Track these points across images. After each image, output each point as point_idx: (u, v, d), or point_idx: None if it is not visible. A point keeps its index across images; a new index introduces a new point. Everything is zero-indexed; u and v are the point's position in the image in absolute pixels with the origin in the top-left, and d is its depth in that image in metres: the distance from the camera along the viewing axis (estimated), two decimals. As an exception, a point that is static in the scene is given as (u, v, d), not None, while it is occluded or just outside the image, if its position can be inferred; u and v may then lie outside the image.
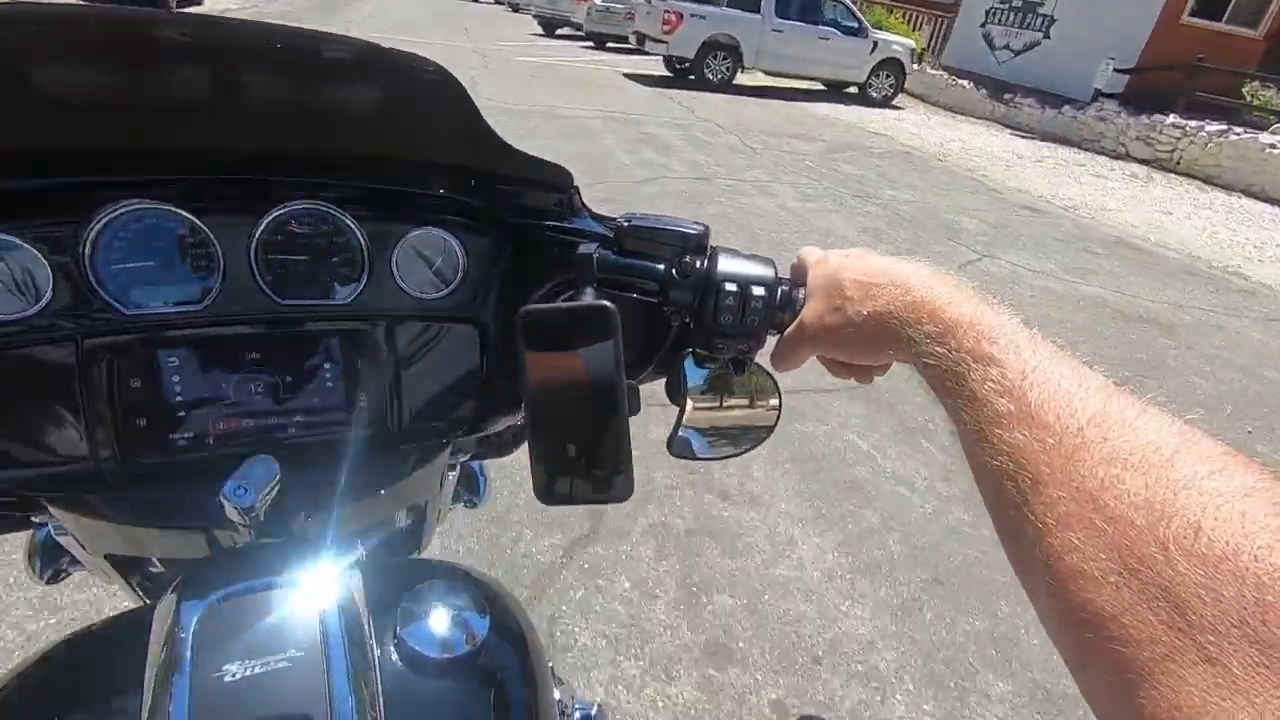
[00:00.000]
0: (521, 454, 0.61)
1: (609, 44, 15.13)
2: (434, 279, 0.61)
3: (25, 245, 0.49)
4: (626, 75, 11.35)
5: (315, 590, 0.47)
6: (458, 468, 0.87)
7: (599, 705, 0.85)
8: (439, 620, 0.54)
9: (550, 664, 0.66)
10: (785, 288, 0.55)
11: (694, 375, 0.61)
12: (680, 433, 0.62)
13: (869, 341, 0.48)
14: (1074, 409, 0.33)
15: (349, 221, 0.57)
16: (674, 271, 0.56)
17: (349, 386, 0.60)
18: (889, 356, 0.49)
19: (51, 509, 0.57)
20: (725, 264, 0.55)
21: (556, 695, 0.75)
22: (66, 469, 0.54)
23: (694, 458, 0.64)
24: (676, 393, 0.62)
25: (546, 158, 0.59)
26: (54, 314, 0.50)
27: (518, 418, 0.70)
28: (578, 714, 0.83)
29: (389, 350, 0.61)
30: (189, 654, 0.42)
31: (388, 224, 0.59)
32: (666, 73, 11.68)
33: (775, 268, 0.56)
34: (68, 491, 0.55)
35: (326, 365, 0.59)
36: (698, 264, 0.56)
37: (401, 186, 0.59)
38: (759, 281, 0.55)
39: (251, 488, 0.50)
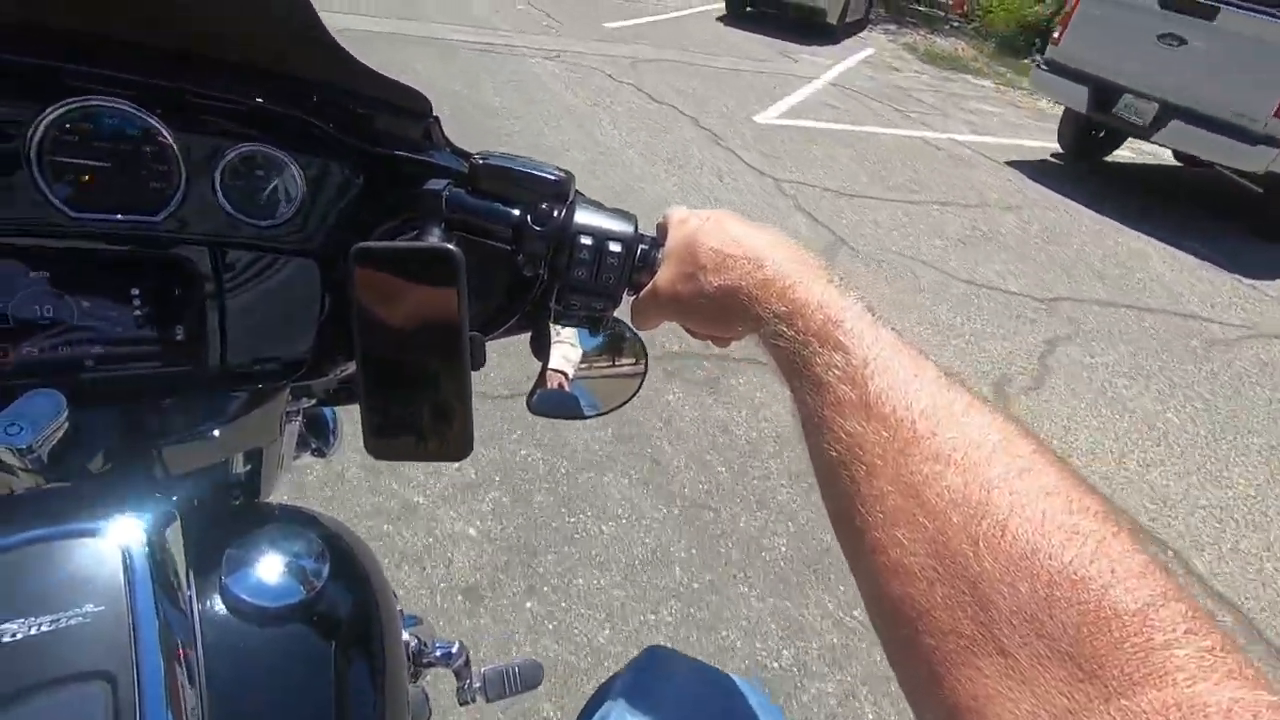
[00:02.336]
0: None
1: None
2: (265, 204, 0.54)
3: None
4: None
5: (119, 537, 0.42)
6: (300, 414, 0.81)
7: (459, 642, 0.83)
8: (271, 566, 0.49)
9: (400, 606, 0.63)
10: (645, 246, 0.54)
11: (569, 333, 0.59)
12: (541, 390, 0.60)
13: (720, 314, 0.47)
14: (909, 401, 0.34)
15: (160, 128, 0.49)
16: (529, 218, 0.52)
17: (162, 317, 0.53)
18: (739, 331, 0.48)
19: None
20: (583, 216, 0.53)
21: (409, 637, 0.73)
22: None
23: (558, 415, 0.63)
24: (540, 349, 0.59)
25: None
26: None
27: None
28: (438, 651, 0.81)
29: (213, 279, 0.54)
30: None
31: (210, 136, 0.51)
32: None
33: (636, 224, 0.54)
34: None
35: (134, 292, 0.52)
36: (555, 213, 0.52)
37: (227, 95, 0.52)
38: (616, 238, 0.52)
39: (28, 426, 0.44)
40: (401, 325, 0.47)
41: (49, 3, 0.46)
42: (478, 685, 0.89)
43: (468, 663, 0.86)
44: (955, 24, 13.36)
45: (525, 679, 0.90)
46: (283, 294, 0.57)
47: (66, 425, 0.46)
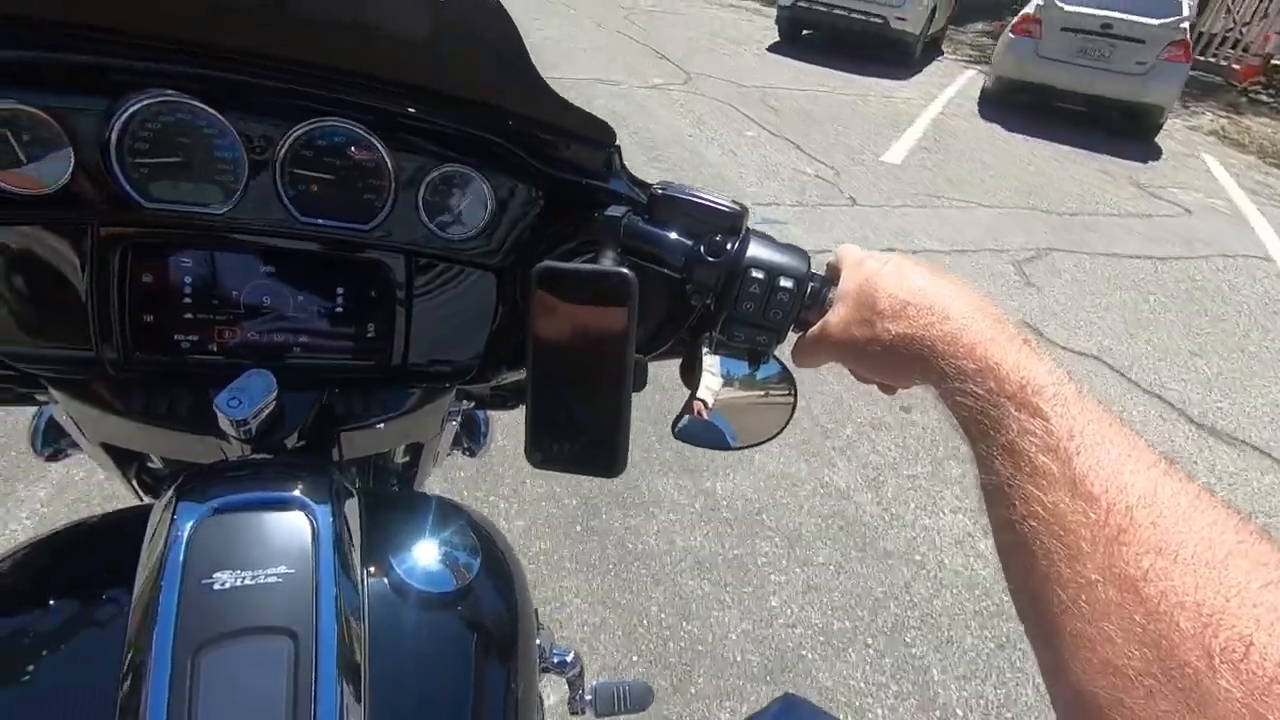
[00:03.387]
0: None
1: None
2: (459, 219, 0.59)
3: (50, 120, 0.47)
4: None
5: (312, 510, 0.46)
6: (460, 414, 0.86)
7: (575, 653, 0.86)
8: (431, 555, 0.54)
9: (535, 609, 0.67)
10: (815, 284, 0.53)
11: (711, 360, 0.59)
12: (687, 417, 0.61)
13: (894, 362, 0.45)
14: (1123, 484, 0.31)
15: (380, 147, 0.55)
16: (702, 249, 0.53)
17: (359, 315, 0.59)
18: (913, 382, 0.46)
19: (52, 390, 0.57)
20: (756, 249, 0.53)
21: (536, 640, 0.76)
22: (69, 353, 0.54)
23: (698, 445, 0.63)
24: (690, 375, 0.60)
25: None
26: (73, 196, 0.50)
27: (522, 374, 0.68)
28: (555, 658, 0.84)
29: (404, 285, 0.59)
30: (181, 557, 0.42)
31: (419, 156, 0.57)
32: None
33: (808, 261, 0.54)
34: (68, 375, 0.56)
35: (339, 290, 0.58)
36: (728, 245, 0.53)
37: (438, 119, 0.57)
38: (788, 273, 0.52)
39: (246, 400, 0.50)
40: (572, 342, 0.49)
41: (297, 39, 0.52)
42: (588, 698, 0.90)
43: (581, 673, 0.87)
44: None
45: (635, 699, 0.91)
46: (462, 303, 0.62)
47: (275, 403, 0.52)
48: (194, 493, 0.46)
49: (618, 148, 0.60)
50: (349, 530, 0.48)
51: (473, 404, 0.83)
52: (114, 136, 0.49)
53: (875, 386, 0.54)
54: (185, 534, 0.43)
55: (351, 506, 0.50)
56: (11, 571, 0.50)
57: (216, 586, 0.41)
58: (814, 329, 0.51)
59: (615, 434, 0.50)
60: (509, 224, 0.61)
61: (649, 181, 0.60)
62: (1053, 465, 0.33)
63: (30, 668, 0.43)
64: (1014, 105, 7.47)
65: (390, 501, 0.64)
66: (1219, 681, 0.25)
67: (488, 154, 0.59)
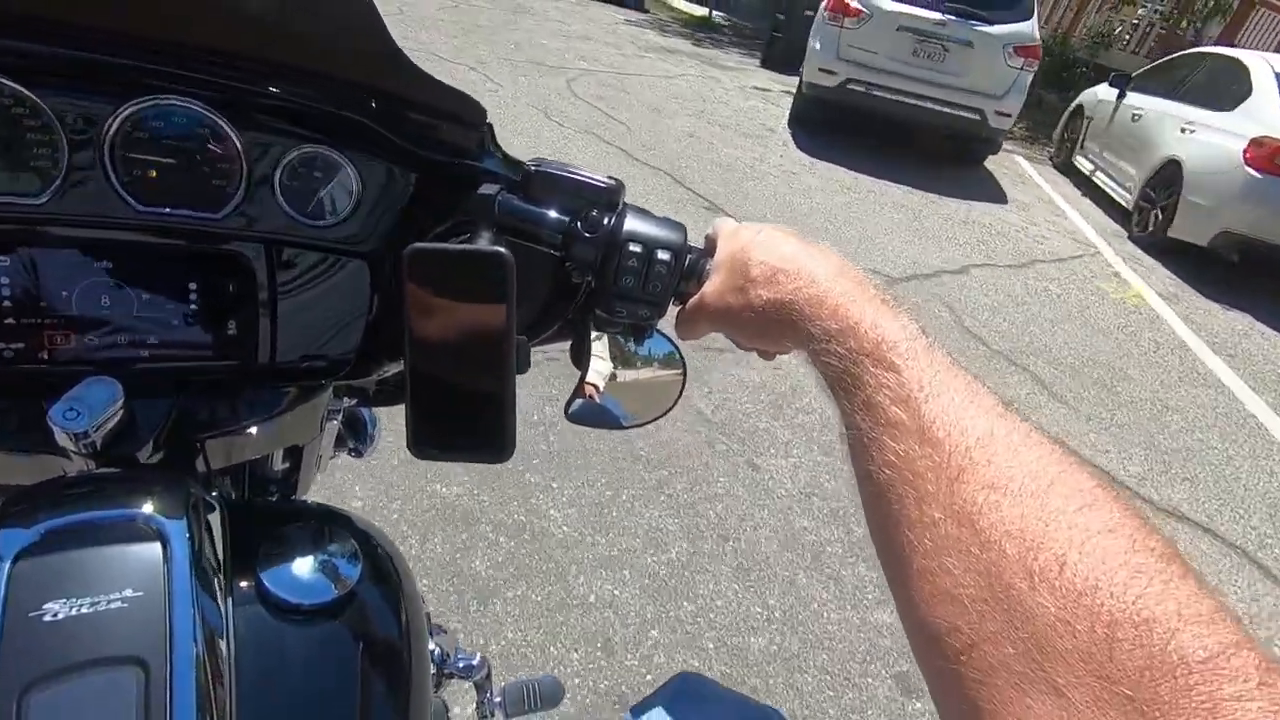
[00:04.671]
0: None
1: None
2: (323, 204, 0.55)
3: None
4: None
5: (161, 525, 0.42)
6: (341, 413, 0.82)
7: (481, 655, 0.83)
8: (305, 565, 0.50)
9: (428, 613, 0.63)
10: (693, 256, 0.53)
11: (600, 342, 0.58)
12: (579, 399, 0.60)
13: (768, 327, 0.47)
14: (964, 428, 0.33)
15: (227, 127, 0.50)
16: (579, 224, 0.53)
17: (216, 312, 0.54)
18: (786, 346, 0.48)
19: None
20: (632, 223, 0.53)
21: (434, 646, 0.72)
22: None
23: (595, 425, 0.62)
24: (580, 357, 0.59)
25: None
26: None
27: (400, 366, 0.66)
28: (460, 663, 0.81)
29: (265, 277, 0.55)
30: (3, 588, 0.37)
31: (273, 136, 0.53)
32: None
33: (685, 234, 0.54)
34: None
35: (191, 286, 0.53)
36: (605, 220, 0.53)
37: (292, 97, 0.53)
38: (665, 246, 0.52)
39: (86, 411, 0.45)
40: (450, 326, 0.47)
41: (129, 8, 0.48)
42: (498, 700, 0.88)
43: (489, 676, 0.86)
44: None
45: (545, 696, 0.90)
46: (333, 294, 0.58)
47: (121, 413, 0.47)
48: (18, 516, 0.41)
49: (490, 125, 0.58)
50: (210, 546, 0.44)
51: (355, 401, 0.79)
52: None
53: (755, 353, 0.55)
54: (8, 559, 0.38)
55: (213, 519, 0.46)
56: None
57: (47, 618, 0.36)
58: (693, 300, 0.52)
59: (501, 419, 0.49)
60: (378, 208, 0.58)
61: (523, 160, 0.58)
62: (904, 415, 0.35)
63: None
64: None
65: (261, 512, 0.61)
66: (1037, 598, 0.27)
67: (351, 134, 0.55)
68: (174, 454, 0.54)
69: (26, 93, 0.45)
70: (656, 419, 0.64)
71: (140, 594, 0.38)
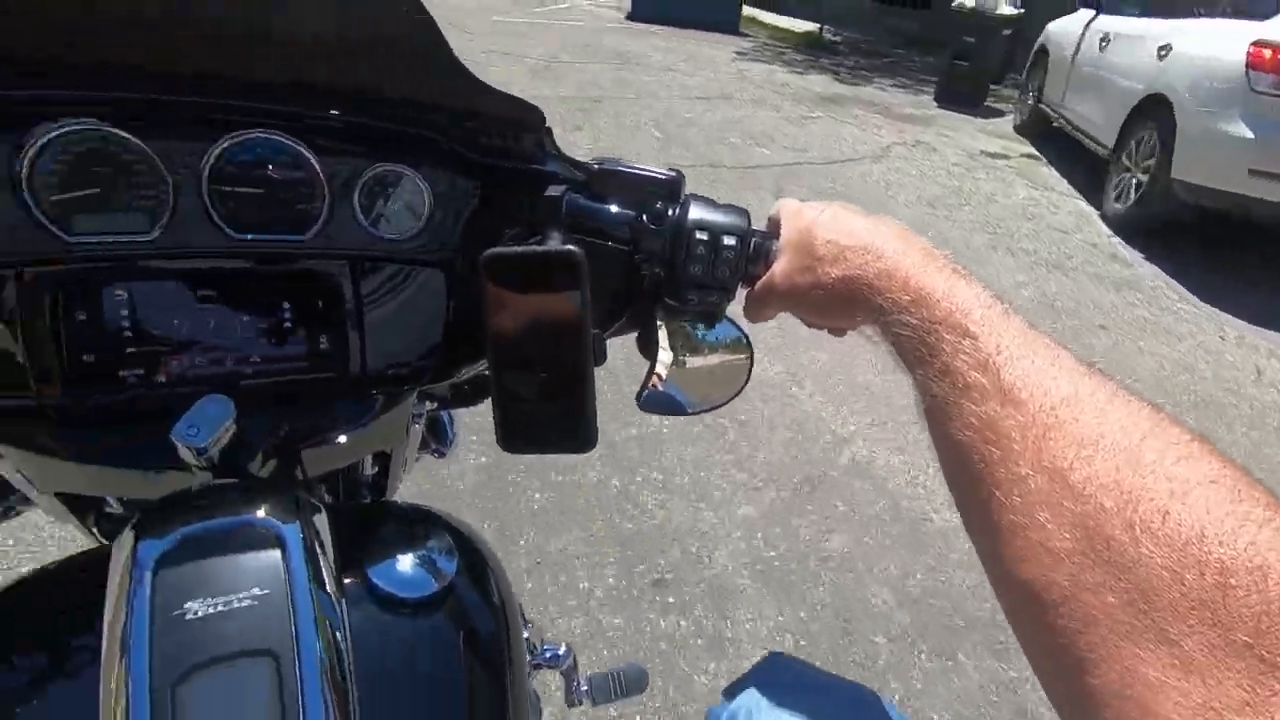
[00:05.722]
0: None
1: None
2: (399, 219, 0.59)
3: None
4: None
5: (279, 530, 0.45)
6: (424, 416, 0.85)
7: (566, 645, 0.86)
8: (406, 561, 0.53)
9: (519, 604, 0.66)
10: (758, 239, 0.54)
11: (667, 329, 0.59)
12: (650, 387, 0.60)
13: (838, 304, 0.47)
14: (1047, 389, 0.33)
15: (308, 154, 0.54)
16: (644, 218, 0.54)
17: (309, 328, 0.58)
18: (857, 321, 0.48)
19: None
20: (697, 211, 0.53)
21: (525, 635, 0.73)
22: (8, 404, 0.51)
23: (665, 412, 0.63)
24: (648, 346, 0.60)
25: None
26: None
27: (484, 366, 0.67)
28: (547, 653, 0.84)
29: (351, 292, 0.58)
30: (149, 592, 0.40)
31: (350, 159, 0.56)
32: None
33: (749, 218, 0.54)
34: (10, 427, 0.53)
35: (285, 305, 0.57)
36: (669, 211, 0.54)
37: (363, 120, 0.56)
38: (730, 231, 0.53)
39: (204, 427, 0.48)
40: (529, 325, 0.49)
41: (208, 53, 0.51)
42: (584, 688, 0.89)
43: (575, 665, 0.88)
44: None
45: (630, 684, 0.90)
46: (413, 303, 0.61)
47: (233, 428, 0.50)
48: (155, 526, 0.44)
49: (549, 129, 0.59)
50: (320, 545, 0.47)
51: (435, 405, 0.83)
52: (24, 173, 0.47)
53: (826, 331, 0.55)
54: (149, 566, 0.41)
55: (321, 522, 0.49)
56: None
57: (189, 617, 0.39)
58: (761, 282, 0.53)
59: (582, 411, 0.51)
60: (449, 217, 0.60)
61: (583, 160, 0.59)
62: (984, 379, 0.35)
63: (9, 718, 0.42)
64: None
65: (360, 513, 0.64)
66: (1140, 549, 0.27)
67: (419, 150, 0.58)
68: (279, 464, 0.58)
69: (135, 140, 0.49)
70: (724, 403, 0.64)
71: (266, 592, 0.41)
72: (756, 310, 0.54)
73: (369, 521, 0.57)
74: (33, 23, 0.45)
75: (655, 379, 0.60)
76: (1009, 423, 0.33)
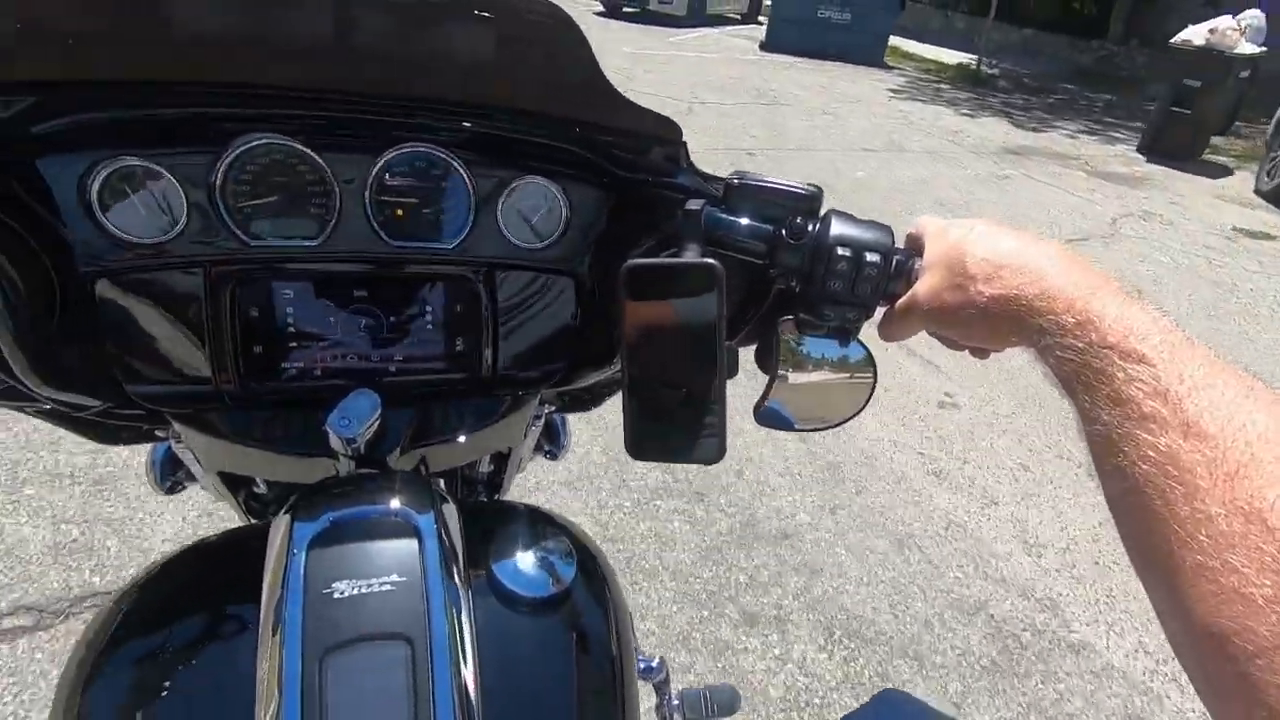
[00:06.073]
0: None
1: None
2: (536, 229, 0.61)
3: (165, 173, 0.51)
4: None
5: (417, 521, 0.47)
6: (542, 419, 0.88)
7: (660, 658, 0.85)
8: (528, 561, 0.55)
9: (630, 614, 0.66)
10: (900, 257, 0.52)
11: (791, 343, 0.58)
12: (769, 401, 0.60)
13: (990, 325, 0.45)
14: (1241, 422, 0.31)
15: (459, 167, 0.57)
16: (784, 233, 0.53)
17: (447, 331, 0.61)
18: (1011, 343, 0.45)
19: (175, 425, 0.61)
20: (839, 227, 0.52)
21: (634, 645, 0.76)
22: (192, 388, 0.57)
23: (781, 428, 0.62)
24: (768, 360, 0.59)
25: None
26: (187, 240, 0.53)
27: (606, 373, 0.70)
28: (640, 664, 0.83)
29: (488, 298, 0.61)
30: (303, 569, 0.43)
31: (495, 171, 0.59)
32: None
33: (892, 235, 0.53)
34: (192, 409, 0.59)
35: (428, 309, 0.60)
36: (810, 226, 0.53)
37: (512, 133, 0.59)
38: (874, 248, 0.51)
39: (355, 419, 0.52)
40: (664, 336, 0.49)
41: (380, 72, 0.55)
42: (676, 703, 0.88)
43: (667, 679, 0.87)
44: None
45: (722, 705, 0.88)
46: (544, 310, 0.63)
47: (379, 421, 0.54)
48: (308, 509, 0.48)
49: (684, 143, 0.60)
50: (452, 539, 0.49)
51: (553, 408, 0.85)
52: (219, 181, 0.52)
53: (967, 353, 0.52)
54: (304, 546, 0.45)
55: (451, 516, 0.51)
56: (151, 587, 0.54)
57: (336, 595, 0.42)
58: (903, 300, 0.51)
59: (714, 423, 0.51)
60: (583, 228, 0.62)
61: (711, 174, 0.60)
62: (1162, 409, 0.33)
63: (174, 674, 0.47)
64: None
65: (483, 510, 0.66)
66: None
67: (561, 162, 0.60)
68: (412, 457, 0.62)
69: (310, 152, 0.54)
70: (840, 423, 0.62)
71: (404, 579, 0.44)
72: (895, 328, 0.52)
73: (492, 519, 0.59)
74: (227, 53, 0.52)
75: (771, 393, 0.59)
76: (1193, 456, 0.31)
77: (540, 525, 0.59)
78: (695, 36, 11.81)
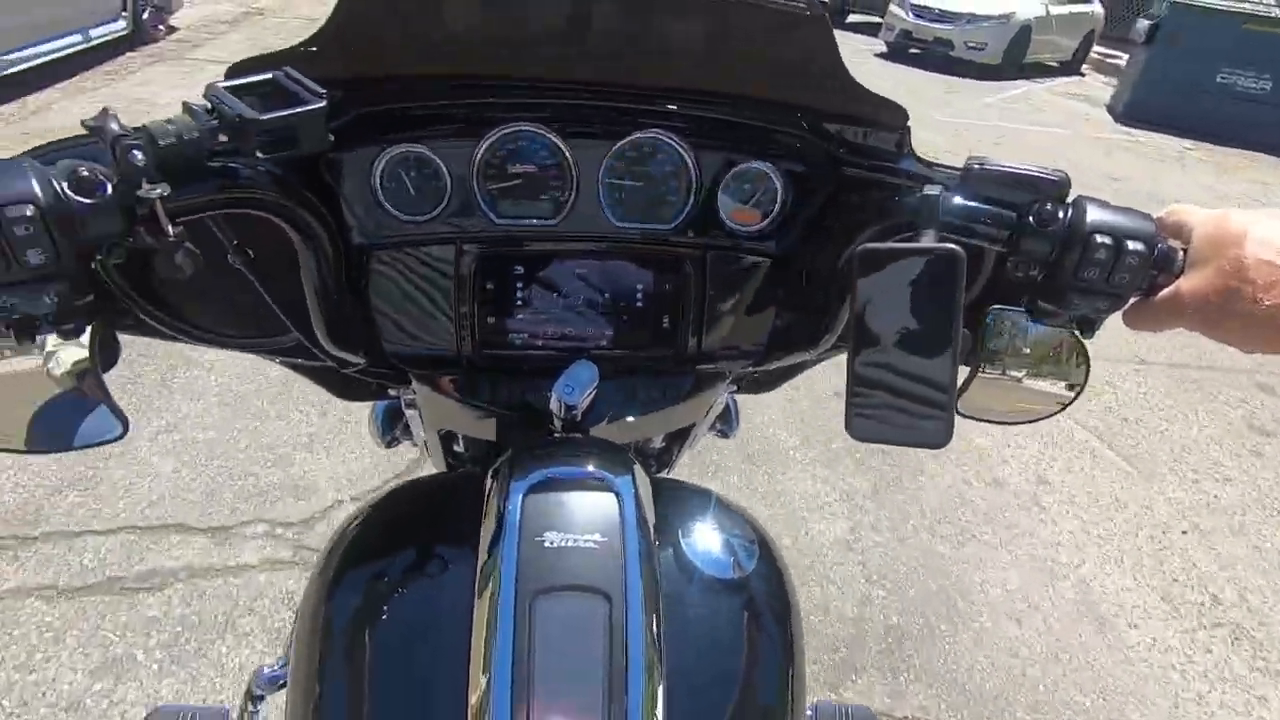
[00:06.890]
0: None
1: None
2: (753, 212, 0.62)
3: (435, 158, 0.59)
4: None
5: (618, 487, 0.50)
6: (724, 398, 0.89)
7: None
8: (713, 542, 0.58)
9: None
10: (1164, 247, 0.48)
11: (1005, 332, 0.57)
12: (971, 390, 0.57)
13: (1267, 333, 0.43)
14: None
15: (685, 151, 0.60)
16: (1031, 219, 0.50)
17: (657, 309, 0.64)
18: None
19: (416, 384, 0.69)
20: (1097, 214, 0.49)
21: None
22: (438, 351, 0.64)
23: (982, 419, 0.60)
24: (973, 348, 0.57)
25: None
26: (446, 218, 0.61)
27: (800, 356, 0.70)
28: None
29: (698, 278, 0.63)
30: (518, 517, 0.48)
31: (718, 155, 0.61)
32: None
33: (1154, 223, 0.48)
34: (436, 370, 0.66)
35: (639, 286, 0.64)
36: (1060, 213, 0.49)
37: (738, 118, 0.61)
38: (1137, 236, 0.48)
39: (578, 388, 0.57)
40: (896, 320, 0.49)
41: (625, 65, 0.60)
42: (809, 713, 0.83)
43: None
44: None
45: None
46: (750, 292, 0.64)
47: (595, 391, 0.58)
48: (524, 464, 0.52)
49: (908, 128, 0.59)
50: (647, 508, 0.51)
51: (735, 389, 0.86)
52: (478, 166, 0.60)
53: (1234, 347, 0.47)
54: (520, 497, 0.49)
55: (645, 486, 0.53)
56: (375, 519, 0.62)
57: (547, 544, 0.46)
58: (1163, 293, 0.48)
59: (939, 406, 0.50)
60: (800, 212, 0.62)
61: (937, 162, 0.58)
62: None
63: (400, 592, 0.54)
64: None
65: (668, 487, 0.68)
66: None
67: (782, 147, 0.61)
68: (615, 426, 0.65)
69: (555, 139, 0.59)
70: (1051, 415, 0.60)
71: (605, 539, 0.47)
72: (1148, 321, 0.50)
73: (676, 495, 0.61)
74: (483, 51, 0.59)
75: (975, 382, 0.58)
76: None
77: (724, 510, 0.61)
78: (1017, 92, 8.77)
